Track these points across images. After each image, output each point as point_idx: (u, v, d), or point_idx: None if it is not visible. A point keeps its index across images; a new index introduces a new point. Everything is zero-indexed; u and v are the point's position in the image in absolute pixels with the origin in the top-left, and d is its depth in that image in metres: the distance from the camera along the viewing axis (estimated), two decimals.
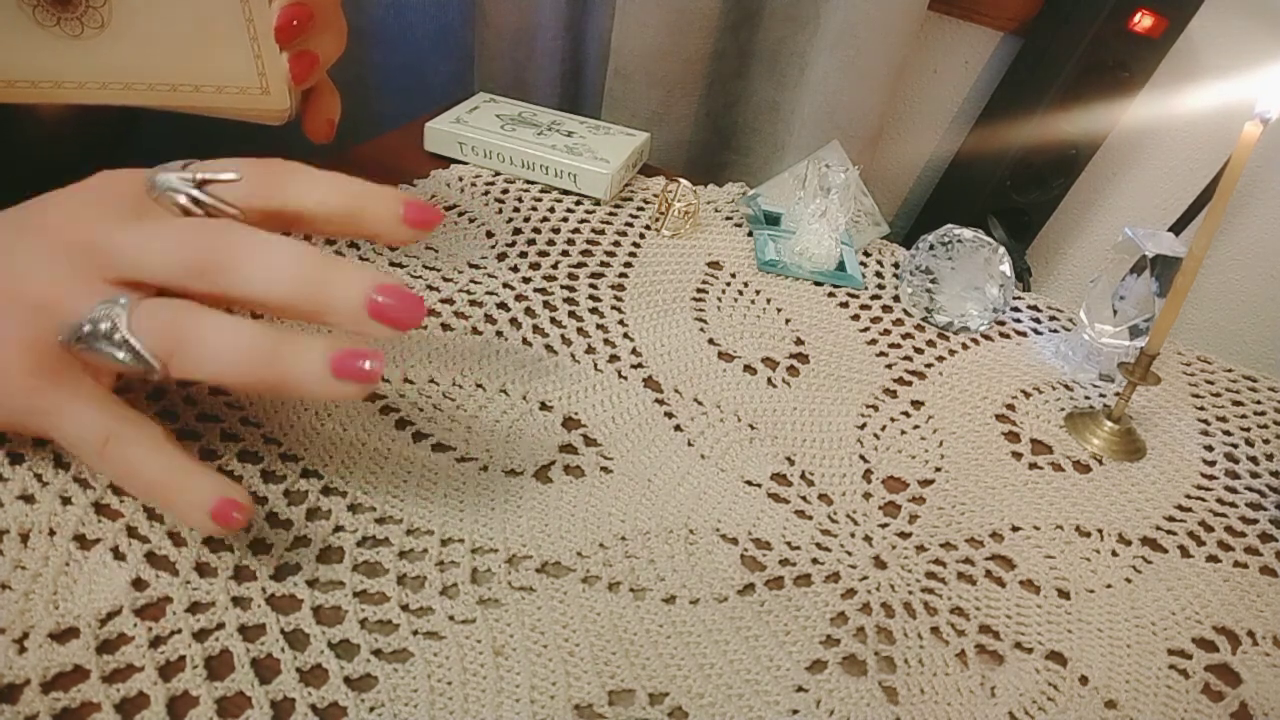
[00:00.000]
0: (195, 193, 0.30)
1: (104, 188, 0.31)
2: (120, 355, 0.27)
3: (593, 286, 0.48)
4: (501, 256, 0.49)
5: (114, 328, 0.27)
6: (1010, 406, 0.46)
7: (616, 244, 0.53)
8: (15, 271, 0.29)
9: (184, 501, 0.27)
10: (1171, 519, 0.41)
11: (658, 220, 0.55)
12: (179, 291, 0.28)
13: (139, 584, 0.28)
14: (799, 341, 0.48)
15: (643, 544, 0.34)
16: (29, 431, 0.30)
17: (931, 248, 0.51)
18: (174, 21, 0.32)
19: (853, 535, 0.36)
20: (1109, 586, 0.37)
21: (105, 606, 0.27)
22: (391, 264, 0.46)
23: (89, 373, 0.29)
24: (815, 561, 0.35)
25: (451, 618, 0.29)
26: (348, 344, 0.27)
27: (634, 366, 0.43)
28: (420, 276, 0.45)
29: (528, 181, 0.57)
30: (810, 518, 0.37)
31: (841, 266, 0.54)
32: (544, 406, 0.39)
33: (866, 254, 0.58)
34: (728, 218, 0.58)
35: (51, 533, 0.29)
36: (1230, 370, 0.53)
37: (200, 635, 0.27)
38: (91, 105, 0.34)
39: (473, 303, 0.45)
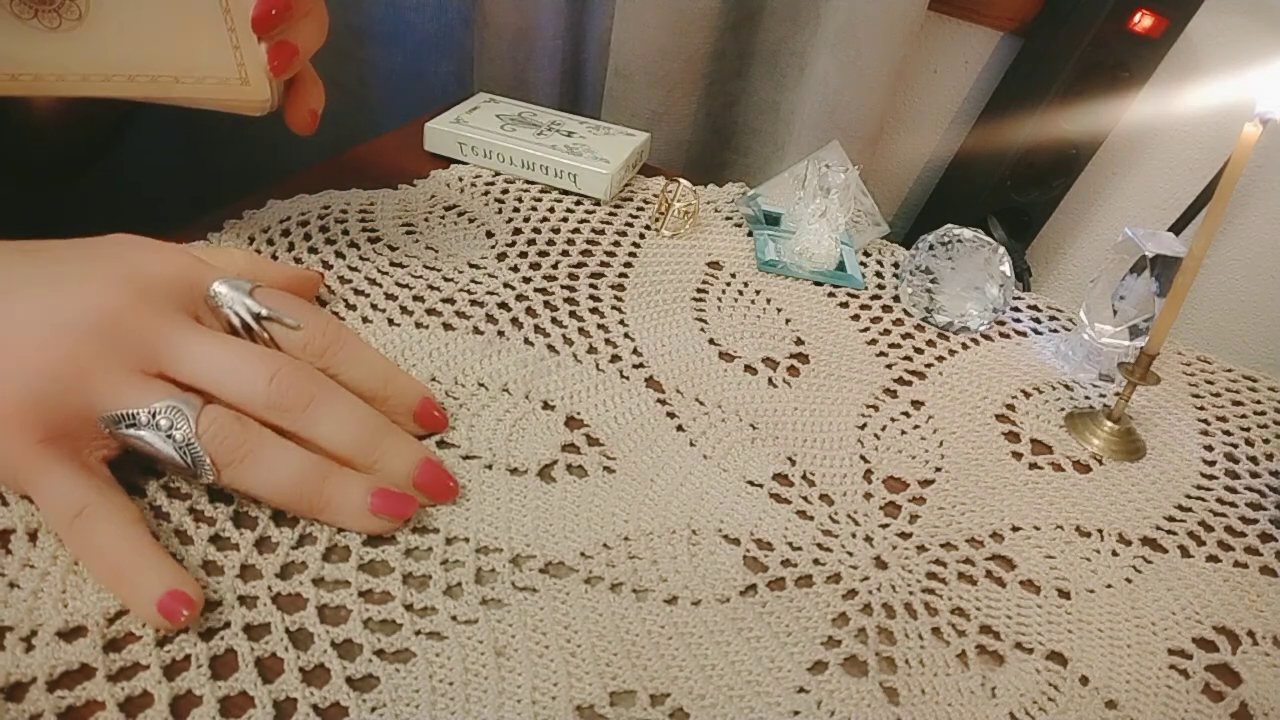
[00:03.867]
0: (253, 323, 0.32)
1: (149, 267, 0.32)
2: (172, 453, 0.28)
3: (593, 286, 0.48)
4: (501, 256, 0.49)
5: (173, 426, 0.28)
6: (1010, 406, 0.47)
7: (616, 244, 0.53)
8: (53, 321, 0.29)
9: (135, 589, 0.27)
10: (1171, 519, 0.41)
11: (658, 220, 0.55)
12: (240, 411, 0.30)
13: None
14: (799, 341, 0.48)
15: (645, 544, 0.34)
16: (4, 483, 0.29)
17: (931, 248, 0.51)
18: (151, 12, 0.32)
19: (854, 535, 0.36)
20: (1109, 586, 0.37)
21: (113, 605, 0.27)
22: (392, 263, 0.46)
23: (85, 444, 0.28)
24: (817, 562, 0.35)
25: (454, 618, 0.29)
26: (386, 484, 0.31)
27: (635, 366, 0.43)
28: (421, 276, 0.46)
29: (528, 181, 0.57)
30: (812, 518, 0.37)
31: (841, 266, 0.55)
32: (546, 406, 0.39)
33: (866, 254, 0.58)
34: (728, 218, 0.58)
35: None
36: (1230, 370, 0.53)
37: (206, 634, 0.27)
38: (79, 103, 0.34)
39: (474, 302, 0.45)
